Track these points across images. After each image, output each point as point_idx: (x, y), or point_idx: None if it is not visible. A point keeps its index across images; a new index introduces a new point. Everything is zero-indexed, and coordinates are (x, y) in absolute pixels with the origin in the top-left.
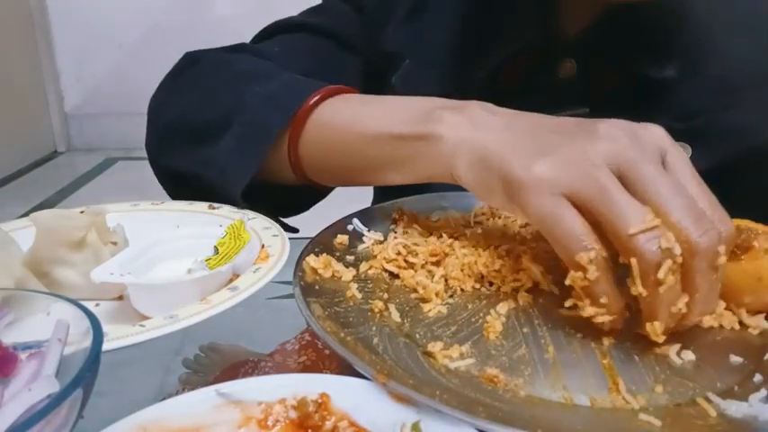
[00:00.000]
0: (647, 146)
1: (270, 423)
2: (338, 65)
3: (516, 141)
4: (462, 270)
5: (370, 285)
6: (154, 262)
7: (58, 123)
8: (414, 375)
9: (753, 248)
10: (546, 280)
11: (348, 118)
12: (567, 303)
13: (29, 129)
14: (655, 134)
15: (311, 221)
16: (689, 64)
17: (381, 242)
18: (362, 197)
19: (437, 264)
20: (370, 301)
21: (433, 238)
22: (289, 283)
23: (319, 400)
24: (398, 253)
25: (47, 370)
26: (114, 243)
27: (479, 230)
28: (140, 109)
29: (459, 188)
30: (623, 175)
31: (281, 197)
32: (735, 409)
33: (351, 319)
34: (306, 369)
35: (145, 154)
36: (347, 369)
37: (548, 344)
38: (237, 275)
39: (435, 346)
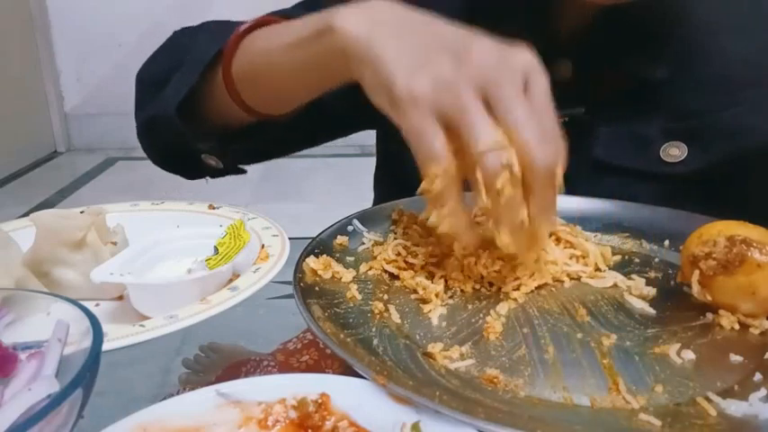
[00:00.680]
0: (511, 70)
1: (270, 423)
2: None
3: (402, 51)
4: (462, 271)
5: (370, 286)
6: (154, 262)
7: (58, 123)
8: (414, 376)
9: (746, 262)
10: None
11: (269, 37)
12: (423, 215)
13: (29, 129)
14: (520, 59)
15: (311, 222)
16: (685, 64)
17: (381, 243)
18: (363, 198)
19: (437, 265)
20: (370, 303)
21: (433, 239)
22: (289, 283)
23: (319, 400)
24: (398, 254)
25: (47, 370)
26: (114, 243)
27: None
28: None
29: None
30: (488, 95)
31: (226, 142)
32: (735, 408)
33: (351, 320)
34: (308, 368)
35: (145, 154)
36: (350, 368)
37: (547, 344)
38: (237, 275)
39: (435, 347)
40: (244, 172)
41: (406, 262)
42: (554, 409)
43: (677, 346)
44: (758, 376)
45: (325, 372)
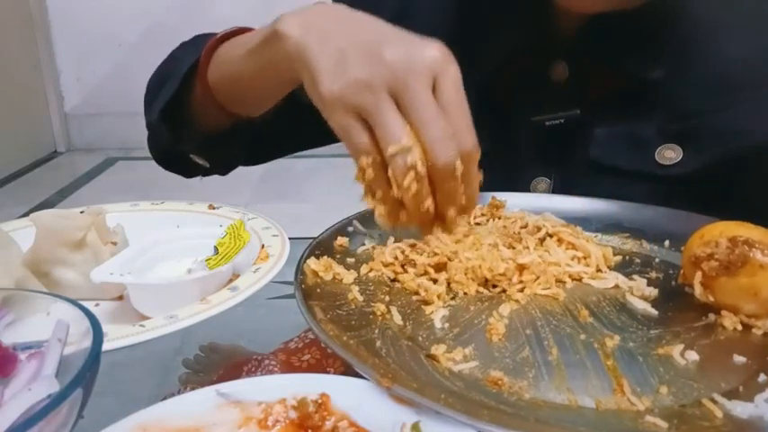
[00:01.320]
0: (418, 67)
1: (270, 423)
2: None
3: (328, 54)
4: (466, 274)
5: (372, 288)
6: (154, 262)
7: (58, 123)
8: (418, 379)
9: (749, 263)
10: None
11: (236, 44)
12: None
13: (29, 129)
14: (428, 55)
15: (311, 222)
16: (681, 66)
17: (381, 245)
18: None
19: (437, 269)
20: (372, 304)
21: (434, 241)
22: (289, 282)
23: (319, 400)
24: (396, 258)
25: (47, 370)
26: (114, 243)
27: (480, 232)
28: (140, 109)
29: None
30: (398, 96)
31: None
32: (740, 409)
33: (353, 322)
34: (310, 367)
35: (144, 154)
36: (351, 367)
37: (551, 345)
38: (237, 275)
39: (438, 349)
40: (226, 173)
41: (403, 266)
42: (559, 410)
43: (681, 346)
44: (762, 377)
45: (326, 371)
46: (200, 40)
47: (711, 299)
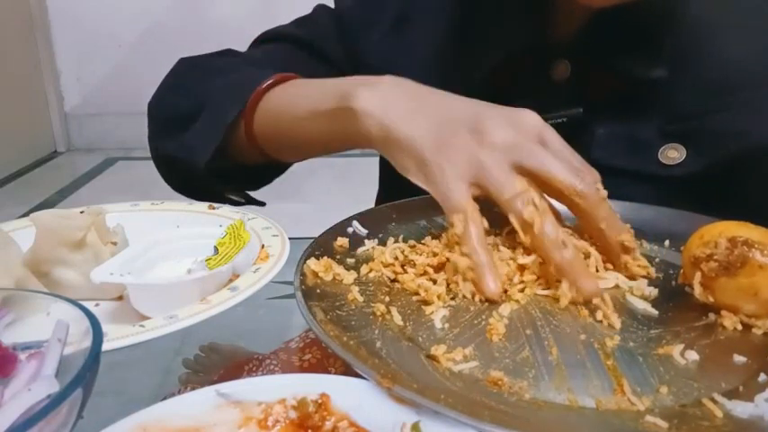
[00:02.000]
0: (527, 134)
1: (270, 423)
2: (311, 74)
3: (424, 129)
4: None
5: (372, 288)
6: (154, 262)
7: (58, 123)
8: (417, 379)
9: (748, 264)
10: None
11: (289, 100)
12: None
13: (29, 129)
14: (531, 121)
15: (311, 222)
16: (684, 65)
17: (382, 244)
18: (363, 198)
19: (437, 269)
20: (372, 305)
21: (433, 241)
22: (289, 282)
23: (319, 400)
24: (396, 258)
25: (47, 370)
26: (114, 243)
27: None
28: (140, 109)
29: None
30: (514, 161)
31: (248, 174)
32: (741, 409)
33: (353, 322)
34: (311, 367)
35: (145, 154)
36: (351, 367)
37: (551, 345)
38: (237, 275)
39: (438, 349)
40: (263, 204)
41: (402, 267)
42: (559, 411)
43: (681, 346)
44: (763, 377)
45: (328, 370)
46: (220, 68)
47: (711, 299)
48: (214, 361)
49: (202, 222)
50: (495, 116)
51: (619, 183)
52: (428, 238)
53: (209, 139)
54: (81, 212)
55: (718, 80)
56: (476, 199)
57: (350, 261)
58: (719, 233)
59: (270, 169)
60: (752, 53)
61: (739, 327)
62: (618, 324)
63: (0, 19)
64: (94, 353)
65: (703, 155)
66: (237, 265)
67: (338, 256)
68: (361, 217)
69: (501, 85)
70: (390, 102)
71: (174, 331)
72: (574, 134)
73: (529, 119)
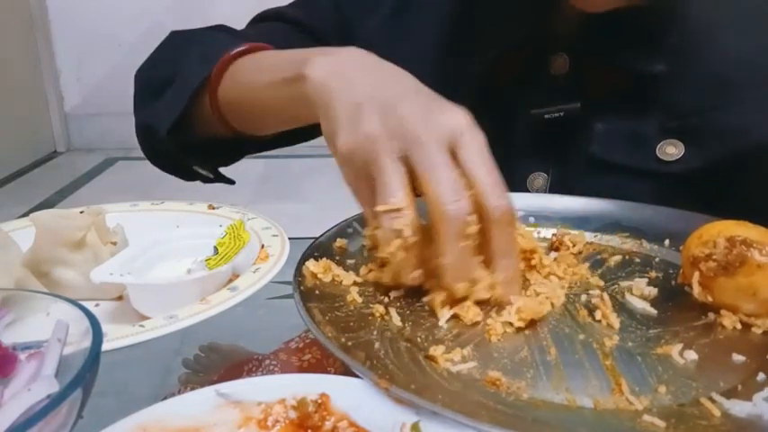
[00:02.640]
0: (434, 129)
1: (270, 423)
2: None
3: (349, 106)
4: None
5: (371, 289)
6: (154, 262)
7: (58, 123)
8: (416, 380)
9: (747, 263)
10: None
11: (254, 68)
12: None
13: (29, 129)
14: (449, 120)
15: (311, 222)
16: (683, 61)
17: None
18: None
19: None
20: (371, 306)
21: None
22: (288, 282)
23: (319, 401)
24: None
25: (46, 370)
26: (114, 243)
27: None
28: None
29: None
30: (408, 155)
31: (215, 150)
32: (739, 408)
33: (351, 323)
34: (310, 367)
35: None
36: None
37: (549, 346)
38: (237, 275)
39: (437, 350)
40: (232, 182)
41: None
42: (557, 410)
43: (679, 346)
44: (761, 376)
45: (327, 370)
46: (206, 38)
47: (710, 299)
48: (214, 361)
49: (202, 222)
50: (414, 99)
51: (618, 179)
52: None
53: (174, 105)
54: (81, 212)
55: (718, 77)
56: None
57: (349, 262)
58: (718, 233)
59: (236, 146)
60: (753, 51)
61: (738, 326)
62: (617, 324)
63: (0, 19)
64: (94, 353)
65: (703, 152)
66: (237, 265)
67: (337, 258)
68: (361, 218)
69: (500, 78)
70: (337, 71)
71: (174, 331)
72: (572, 129)
73: (450, 118)
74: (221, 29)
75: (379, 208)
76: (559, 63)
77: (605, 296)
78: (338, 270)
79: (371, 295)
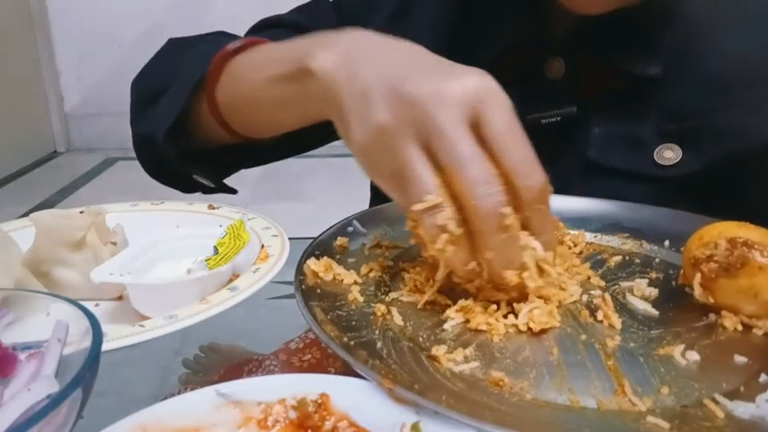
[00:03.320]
0: (448, 103)
1: (270, 423)
2: None
3: (357, 93)
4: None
5: (372, 288)
6: (154, 262)
7: (58, 123)
8: (419, 380)
9: (748, 265)
10: None
11: (252, 65)
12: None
13: (29, 129)
14: (460, 87)
15: (311, 222)
16: (679, 64)
17: (378, 246)
18: (363, 198)
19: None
20: (372, 305)
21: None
22: (289, 282)
23: (319, 401)
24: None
25: (46, 370)
26: (114, 243)
27: None
28: None
29: None
30: (426, 140)
31: (215, 160)
32: (742, 410)
33: (353, 322)
34: (311, 367)
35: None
36: (351, 367)
37: (552, 346)
38: (237, 275)
39: (439, 350)
40: (234, 192)
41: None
42: (561, 411)
43: (681, 347)
44: (764, 377)
45: (327, 371)
46: (203, 42)
47: (711, 300)
48: (214, 361)
49: (202, 222)
50: (421, 74)
51: (615, 183)
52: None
53: (171, 107)
54: (81, 212)
55: (717, 78)
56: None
57: (350, 261)
58: (719, 234)
59: (237, 153)
60: (751, 52)
61: (740, 327)
62: (618, 324)
63: (0, 19)
64: (94, 353)
65: (702, 154)
66: (237, 265)
67: (338, 256)
68: (361, 217)
69: (496, 81)
70: (342, 60)
71: (174, 331)
72: (569, 133)
73: (463, 85)
74: (222, 34)
75: (417, 208)
76: (556, 67)
77: (606, 296)
78: (339, 269)
79: (372, 294)
